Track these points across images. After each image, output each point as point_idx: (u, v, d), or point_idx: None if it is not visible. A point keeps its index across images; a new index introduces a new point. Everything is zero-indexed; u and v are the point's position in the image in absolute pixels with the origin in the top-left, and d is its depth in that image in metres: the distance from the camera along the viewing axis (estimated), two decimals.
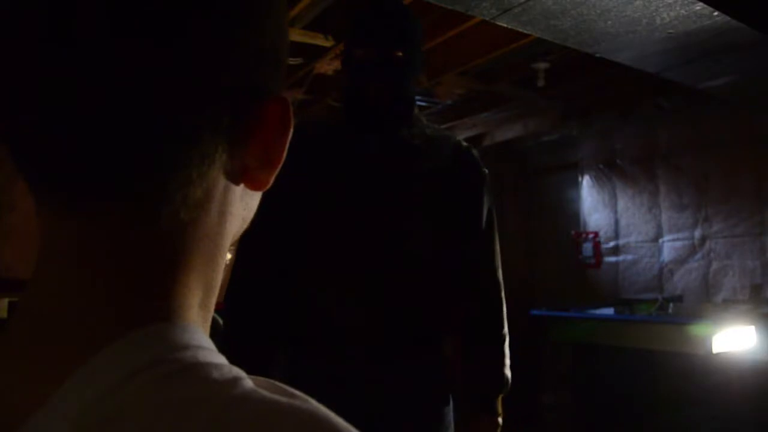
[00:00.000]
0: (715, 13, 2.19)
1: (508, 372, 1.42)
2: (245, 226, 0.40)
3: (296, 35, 2.93)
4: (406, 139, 1.39)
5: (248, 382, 0.29)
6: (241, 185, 0.37)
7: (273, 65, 0.36)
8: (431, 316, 1.38)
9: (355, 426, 0.28)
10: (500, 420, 1.40)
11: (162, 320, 0.31)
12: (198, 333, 0.32)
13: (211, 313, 0.36)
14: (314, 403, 0.28)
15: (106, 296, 0.31)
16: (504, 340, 1.43)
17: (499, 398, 1.41)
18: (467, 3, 2.10)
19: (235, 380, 0.28)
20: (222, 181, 0.35)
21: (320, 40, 3.00)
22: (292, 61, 3.26)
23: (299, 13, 2.67)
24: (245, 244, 1.42)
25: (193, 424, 0.26)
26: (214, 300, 0.36)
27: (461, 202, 1.43)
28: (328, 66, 3.38)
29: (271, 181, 0.37)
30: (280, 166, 0.37)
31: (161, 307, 0.32)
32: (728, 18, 2.23)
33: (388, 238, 1.35)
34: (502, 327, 1.44)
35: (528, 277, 5.15)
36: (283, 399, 0.27)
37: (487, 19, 2.25)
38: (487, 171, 1.48)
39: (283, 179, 1.45)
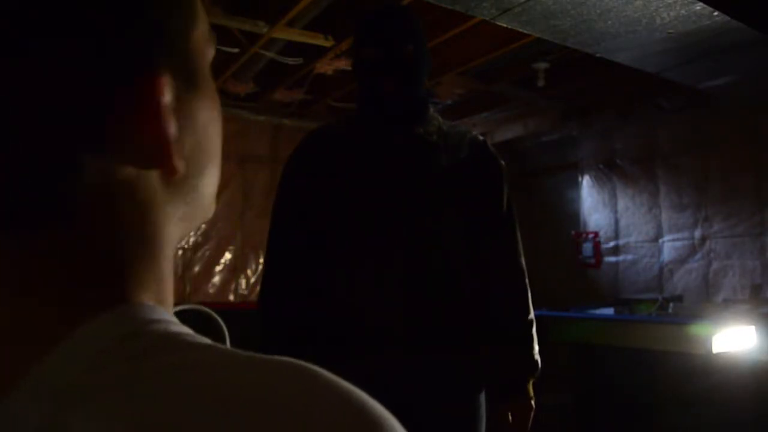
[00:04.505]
0: (715, 13, 2.19)
1: (537, 356, 1.44)
2: (206, 207, 0.38)
3: (296, 35, 2.93)
4: (423, 135, 1.42)
5: (223, 346, 0.29)
6: (154, 172, 0.33)
7: (147, 35, 0.32)
8: (461, 306, 1.41)
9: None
10: (533, 403, 1.42)
11: (123, 305, 0.30)
12: (163, 311, 0.31)
13: (170, 308, 0.34)
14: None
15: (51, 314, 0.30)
16: (531, 325, 1.46)
17: (531, 382, 1.43)
18: (467, 3, 2.10)
19: (211, 346, 0.29)
20: (121, 172, 0.32)
21: (320, 40, 3.00)
22: (292, 61, 3.25)
23: (299, 13, 2.67)
24: (274, 244, 1.44)
25: (186, 387, 0.25)
26: (169, 296, 0.35)
27: (483, 193, 1.47)
28: (328, 66, 3.38)
29: (178, 161, 0.33)
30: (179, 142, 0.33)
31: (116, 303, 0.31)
32: (728, 18, 2.23)
33: (416, 233, 1.37)
34: (529, 312, 1.47)
35: (528, 277, 5.13)
36: (266, 356, 0.28)
37: (487, 19, 2.25)
38: (504, 162, 1.52)
39: (309, 180, 1.44)
